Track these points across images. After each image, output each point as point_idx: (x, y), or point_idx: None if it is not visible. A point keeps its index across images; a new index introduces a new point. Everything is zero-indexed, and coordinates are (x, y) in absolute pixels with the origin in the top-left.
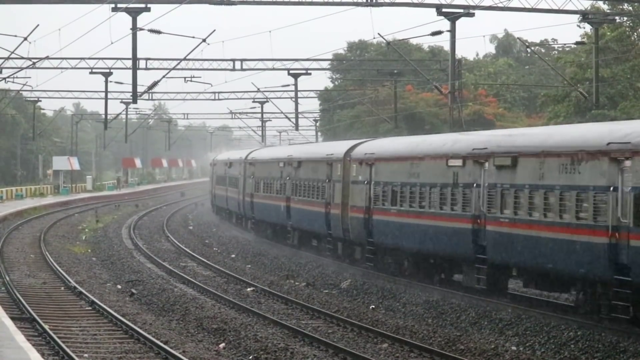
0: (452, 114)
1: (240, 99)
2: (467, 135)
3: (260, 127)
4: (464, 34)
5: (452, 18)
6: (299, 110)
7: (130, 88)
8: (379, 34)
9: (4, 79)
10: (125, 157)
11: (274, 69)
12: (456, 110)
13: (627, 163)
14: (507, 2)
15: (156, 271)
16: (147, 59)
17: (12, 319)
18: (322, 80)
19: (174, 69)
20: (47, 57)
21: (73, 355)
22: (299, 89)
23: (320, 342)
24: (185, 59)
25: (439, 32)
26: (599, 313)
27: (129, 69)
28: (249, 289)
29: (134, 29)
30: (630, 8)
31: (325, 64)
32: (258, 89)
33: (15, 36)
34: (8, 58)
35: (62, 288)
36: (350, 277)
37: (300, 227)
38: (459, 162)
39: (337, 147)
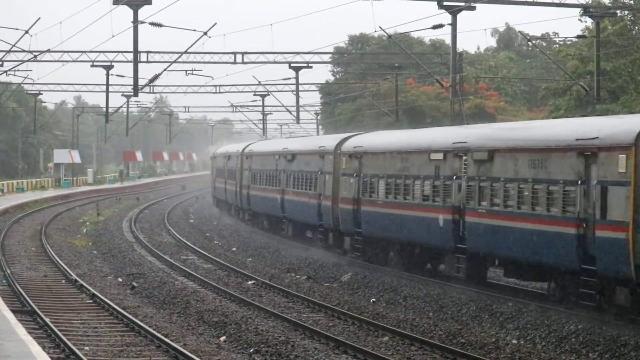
0: (453, 107)
1: (242, 92)
2: None
3: (262, 121)
4: (465, 27)
5: (454, 11)
6: (300, 103)
7: (131, 81)
8: (380, 27)
9: (5, 72)
10: (126, 150)
11: (275, 62)
12: (457, 104)
13: None
14: None
15: (157, 264)
16: (148, 52)
17: (13, 311)
18: (323, 73)
19: (175, 62)
20: (49, 50)
21: (74, 348)
22: (300, 82)
23: (321, 336)
24: (186, 52)
25: (440, 26)
26: None
27: (130, 62)
28: (249, 282)
29: (135, 22)
30: (632, 2)
31: (327, 57)
32: (259, 82)
33: (17, 29)
34: (9, 51)
35: (63, 281)
36: (351, 271)
37: (484, 253)
38: None
39: (607, 127)
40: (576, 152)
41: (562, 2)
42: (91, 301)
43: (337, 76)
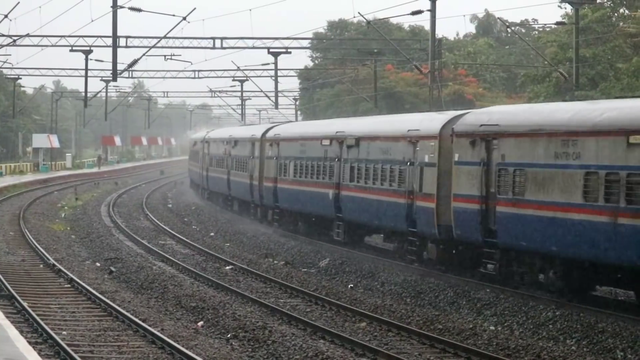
0: (432, 93)
1: (220, 77)
2: None
3: (240, 106)
4: (445, 13)
5: None
6: (279, 89)
7: (110, 66)
8: (359, 12)
9: None
10: (105, 135)
11: (254, 47)
12: (436, 90)
13: None
14: None
15: (135, 249)
16: (127, 37)
17: None
18: (302, 59)
19: (154, 47)
20: (28, 35)
21: (51, 332)
22: (279, 67)
23: (298, 321)
24: (165, 37)
25: (419, 12)
26: None
27: (109, 47)
28: (227, 267)
29: (115, 6)
30: None
31: (306, 43)
32: (238, 67)
33: None
34: None
35: (41, 265)
36: (329, 256)
37: None
38: None
39: None
40: None
41: None
42: (69, 286)
43: (316, 62)
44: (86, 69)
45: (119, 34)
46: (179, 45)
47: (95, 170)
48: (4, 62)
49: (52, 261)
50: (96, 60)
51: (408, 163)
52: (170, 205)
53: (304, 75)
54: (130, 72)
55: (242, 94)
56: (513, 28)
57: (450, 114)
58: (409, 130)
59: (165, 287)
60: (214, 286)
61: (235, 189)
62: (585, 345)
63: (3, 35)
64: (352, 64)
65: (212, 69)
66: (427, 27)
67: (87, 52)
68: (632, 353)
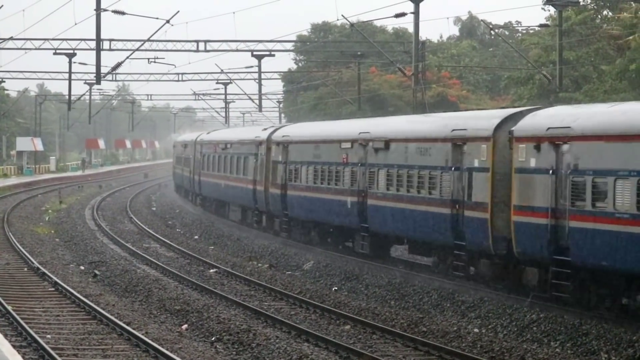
0: (416, 96)
1: (204, 80)
2: None
3: (224, 109)
4: (428, 15)
5: (416, 0)
6: (263, 91)
7: (94, 69)
8: (342, 15)
9: None
10: (88, 138)
11: (237, 50)
12: (420, 92)
13: None
14: None
15: (119, 252)
16: (111, 40)
17: None
18: (285, 61)
19: (137, 50)
20: (11, 38)
21: (36, 336)
22: (262, 70)
23: (282, 324)
24: (149, 40)
25: (403, 14)
26: None
27: (93, 50)
28: (211, 270)
29: (98, 9)
30: None
31: (289, 46)
32: (222, 70)
33: None
34: None
35: (25, 269)
36: (313, 259)
37: None
38: None
39: None
40: None
41: None
42: (53, 289)
43: (300, 64)
44: (70, 72)
45: (102, 37)
46: (163, 48)
47: (79, 173)
48: None
49: (37, 264)
50: (80, 63)
51: None
52: (154, 209)
53: (288, 78)
54: (114, 75)
55: (225, 96)
56: (496, 30)
57: None
58: None
59: (150, 290)
60: (198, 289)
61: (408, 223)
62: (569, 348)
63: None
64: (336, 66)
65: (195, 72)
66: (411, 29)
67: (70, 55)
68: (616, 355)
